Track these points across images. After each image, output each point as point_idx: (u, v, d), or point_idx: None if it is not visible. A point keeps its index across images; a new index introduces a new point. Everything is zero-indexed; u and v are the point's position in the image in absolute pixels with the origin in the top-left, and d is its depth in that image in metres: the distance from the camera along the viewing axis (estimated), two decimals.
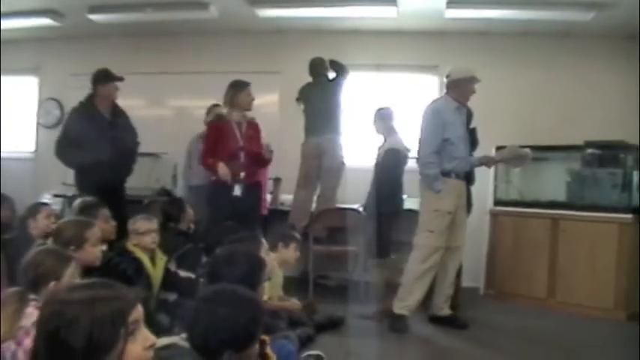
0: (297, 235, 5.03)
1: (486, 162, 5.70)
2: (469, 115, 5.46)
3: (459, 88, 5.29)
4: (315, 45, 6.92)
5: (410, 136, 6.35)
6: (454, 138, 5.20)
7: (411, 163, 6.02)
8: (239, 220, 5.18)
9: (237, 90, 5.73)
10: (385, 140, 5.91)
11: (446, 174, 5.19)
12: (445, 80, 5.38)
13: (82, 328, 1.46)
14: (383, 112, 5.89)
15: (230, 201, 5.59)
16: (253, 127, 5.81)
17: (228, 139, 5.68)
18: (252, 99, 5.78)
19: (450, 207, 5.18)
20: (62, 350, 1.46)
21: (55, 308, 1.50)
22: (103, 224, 4.05)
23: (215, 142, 5.72)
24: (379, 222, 5.68)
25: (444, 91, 5.47)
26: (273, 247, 4.61)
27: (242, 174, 5.64)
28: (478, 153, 5.63)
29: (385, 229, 5.68)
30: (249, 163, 5.69)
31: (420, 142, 5.36)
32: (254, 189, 5.80)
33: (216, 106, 6.60)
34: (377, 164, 5.84)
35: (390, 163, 5.73)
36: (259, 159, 5.78)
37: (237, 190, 5.62)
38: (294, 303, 4.82)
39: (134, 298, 1.64)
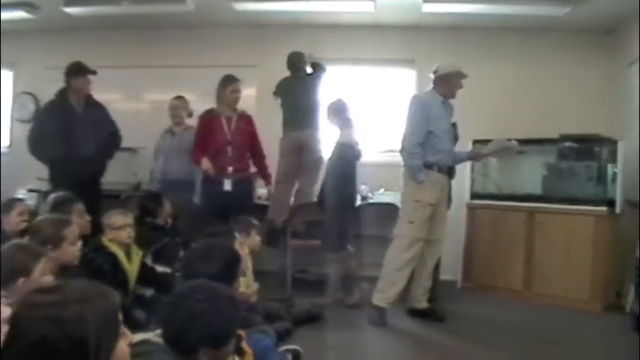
0: (254, 221, 5.00)
1: (475, 156, 5.76)
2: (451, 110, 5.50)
3: (446, 83, 5.32)
4: (293, 39, 6.90)
5: (383, 128, 6.37)
6: (439, 131, 5.23)
7: (389, 157, 6.04)
8: (230, 214, 5.19)
9: (224, 85, 5.83)
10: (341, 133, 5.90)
11: (429, 166, 5.22)
12: (432, 76, 5.39)
13: (85, 330, 1.44)
14: (336, 104, 5.85)
15: (220, 196, 5.67)
16: (245, 120, 5.88)
17: (216, 134, 5.76)
18: (237, 96, 5.84)
19: (431, 199, 5.20)
20: (62, 355, 1.43)
21: (47, 312, 1.45)
22: (77, 219, 4.01)
23: (204, 138, 5.80)
24: (332, 216, 5.68)
25: (423, 85, 5.49)
26: None
27: (230, 168, 5.68)
28: (457, 147, 5.65)
29: (338, 223, 5.68)
30: (238, 157, 5.73)
31: (405, 134, 5.38)
32: (244, 183, 5.81)
33: (179, 98, 6.53)
34: (329, 158, 5.83)
35: (339, 157, 5.69)
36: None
37: (227, 185, 5.69)
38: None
39: (116, 295, 1.63)
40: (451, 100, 5.41)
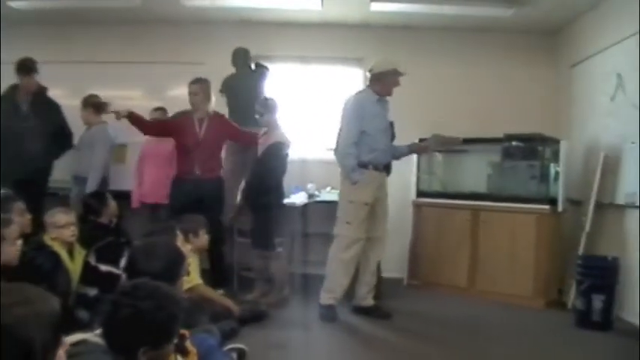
0: (203, 219, 4.97)
1: (417, 150, 5.80)
2: None
3: (381, 82, 5.34)
4: (240, 36, 6.82)
5: (330, 126, 6.38)
6: (372, 130, 5.26)
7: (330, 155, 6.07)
8: (200, 213, 5.17)
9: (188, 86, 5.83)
10: (269, 131, 5.77)
11: (364, 165, 5.25)
12: (368, 74, 5.42)
13: (30, 332, 1.41)
14: (271, 102, 5.80)
15: (187, 195, 5.67)
16: (216, 119, 5.85)
17: (186, 134, 5.78)
18: (194, 99, 5.80)
19: (366, 198, 5.24)
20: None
21: None
22: (17, 217, 3.91)
23: (165, 126, 6.01)
24: (261, 214, 5.67)
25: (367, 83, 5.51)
26: (185, 239, 4.54)
27: (197, 168, 5.71)
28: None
29: (268, 222, 5.66)
30: (206, 157, 5.74)
31: (339, 134, 5.40)
32: (212, 182, 5.78)
33: (92, 96, 6.38)
34: (260, 156, 5.74)
35: (275, 156, 5.66)
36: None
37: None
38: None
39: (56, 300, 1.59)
40: (397, 98, 5.44)
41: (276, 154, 5.64)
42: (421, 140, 6.18)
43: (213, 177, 5.80)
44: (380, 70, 5.32)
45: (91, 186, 5.85)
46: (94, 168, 5.96)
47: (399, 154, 5.67)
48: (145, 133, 6.05)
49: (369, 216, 5.30)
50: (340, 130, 5.39)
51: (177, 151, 5.88)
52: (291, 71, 7.55)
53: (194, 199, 5.60)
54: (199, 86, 5.82)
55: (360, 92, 5.50)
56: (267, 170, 5.65)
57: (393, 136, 5.62)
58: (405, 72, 5.35)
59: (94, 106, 6.26)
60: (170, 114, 6.32)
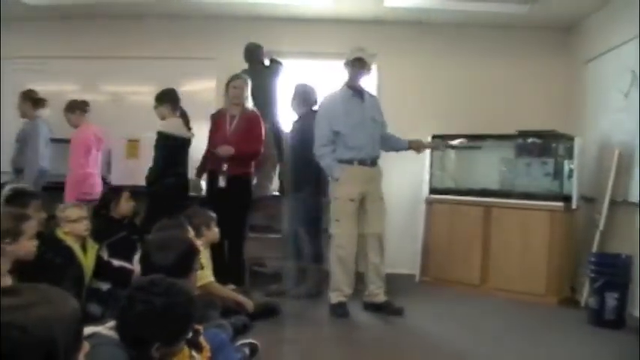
0: (213, 214, 4.93)
1: (416, 147, 5.71)
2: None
3: (348, 74, 5.38)
4: (251, 31, 6.83)
5: None
6: (346, 128, 5.25)
7: None
8: (225, 209, 5.17)
9: (228, 82, 5.85)
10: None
11: (348, 162, 5.25)
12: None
13: (52, 333, 1.38)
14: (163, 94, 5.78)
15: (215, 191, 5.74)
16: (247, 119, 5.81)
17: (217, 131, 5.81)
18: (237, 92, 5.80)
19: (351, 194, 5.23)
20: None
21: (11, 316, 1.35)
22: (33, 214, 3.93)
23: (210, 134, 5.90)
24: (149, 205, 5.64)
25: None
26: (197, 232, 4.51)
27: (225, 165, 5.68)
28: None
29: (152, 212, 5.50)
30: (233, 155, 5.68)
31: (315, 134, 5.40)
32: (239, 180, 5.76)
33: (30, 91, 6.36)
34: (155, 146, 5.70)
35: (157, 147, 5.62)
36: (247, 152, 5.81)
37: (222, 182, 5.71)
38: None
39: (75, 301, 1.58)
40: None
41: (157, 146, 5.62)
42: (434, 137, 6.17)
43: (239, 173, 5.77)
44: (345, 61, 5.36)
45: (29, 180, 5.86)
46: (29, 162, 5.98)
47: (396, 146, 5.65)
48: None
49: (360, 212, 5.30)
50: (315, 130, 5.38)
51: (210, 147, 5.88)
52: (303, 67, 7.47)
53: (221, 195, 5.64)
54: (242, 81, 5.84)
55: (334, 91, 5.47)
56: (153, 162, 5.65)
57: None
58: (355, 56, 5.31)
59: (32, 100, 6.27)
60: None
